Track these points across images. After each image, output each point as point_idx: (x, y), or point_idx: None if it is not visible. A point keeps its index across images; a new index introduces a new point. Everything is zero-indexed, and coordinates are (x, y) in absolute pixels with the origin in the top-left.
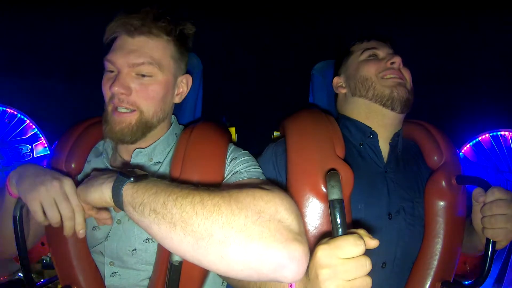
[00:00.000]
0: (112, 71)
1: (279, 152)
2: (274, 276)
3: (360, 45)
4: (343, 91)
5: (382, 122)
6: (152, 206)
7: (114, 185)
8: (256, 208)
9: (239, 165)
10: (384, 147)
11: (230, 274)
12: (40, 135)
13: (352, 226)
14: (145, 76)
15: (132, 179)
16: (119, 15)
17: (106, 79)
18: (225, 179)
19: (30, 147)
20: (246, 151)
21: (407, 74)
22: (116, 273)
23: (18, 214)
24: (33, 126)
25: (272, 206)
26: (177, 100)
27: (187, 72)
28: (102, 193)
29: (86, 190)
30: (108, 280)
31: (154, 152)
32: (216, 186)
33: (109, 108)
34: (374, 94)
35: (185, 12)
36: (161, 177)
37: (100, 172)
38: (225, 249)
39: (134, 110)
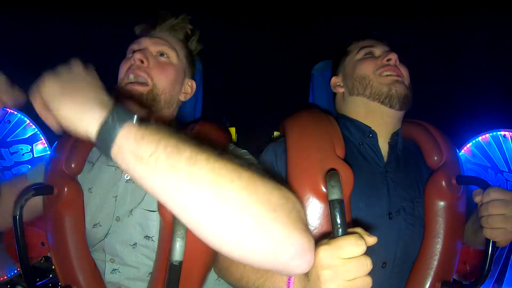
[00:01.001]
0: (135, 52)
1: (279, 152)
2: (288, 266)
3: (356, 44)
4: (341, 90)
5: (381, 121)
6: (171, 160)
7: (107, 122)
8: (283, 194)
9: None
10: (384, 147)
11: (247, 255)
12: (40, 135)
13: (352, 225)
14: (163, 55)
15: (135, 117)
16: (153, 15)
17: (125, 62)
18: None
19: (30, 147)
20: (245, 151)
21: (404, 71)
22: (116, 270)
23: (18, 214)
24: (33, 126)
25: (292, 196)
26: (182, 98)
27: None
28: (81, 120)
29: (60, 98)
30: (108, 277)
31: None
32: None
33: (123, 83)
34: (372, 92)
35: (185, 12)
36: None
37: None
38: (254, 227)
39: (147, 85)
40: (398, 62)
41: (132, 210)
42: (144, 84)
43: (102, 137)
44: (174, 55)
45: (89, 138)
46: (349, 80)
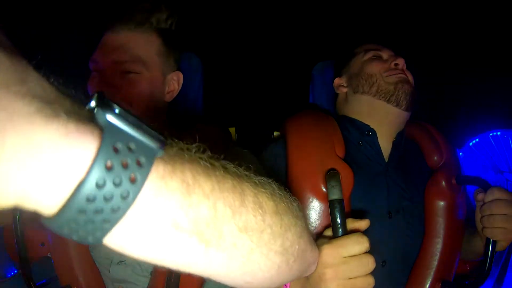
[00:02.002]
0: (97, 71)
1: (278, 152)
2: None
3: (363, 47)
4: (344, 90)
5: (386, 120)
6: (236, 222)
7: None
8: (294, 213)
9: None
10: (387, 146)
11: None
12: None
13: None
14: (130, 73)
15: (161, 149)
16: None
17: (92, 79)
18: None
19: None
20: (246, 150)
21: (410, 77)
22: (122, 262)
23: (18, 213)
24: None
25: (299, 208)
26: (168, 98)
27: (180, 69)
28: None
29: None
30: (113, 269)
31: None
32: None
33: None
34: (378, 90)
35: (185, 12)
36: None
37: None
38: (284, 265)
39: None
40: (405, 67)
41: None
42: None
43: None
44: (141, 68)
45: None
46: (355, 80)
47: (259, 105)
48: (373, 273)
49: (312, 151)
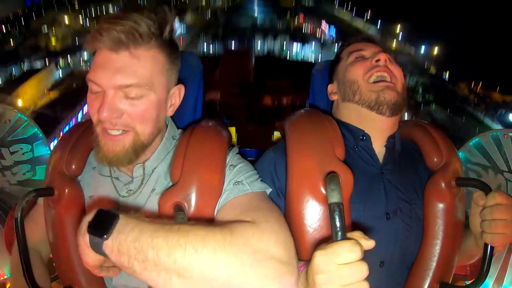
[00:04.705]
0: (97, 92)
1: (278, 156)
2: None
3: (347, 49)
4: (335, 97)
5: (374, 126)
6: (141, 257)
7: (93, 247)
8: (250, 249)
9: (239, 173)
10: (380, 149)
11: None
12: (41, 135)
13: (351, 227)
14: (135, 97)
15: (105, 236)
16: (100, 24)
17: (91, 100)
18: (226, 188)
19: (30, 147)
20: (243, 159)
21: (396, 71)
22: None
23: (19, 215)
24: (33, 126)
25: (264, 244)
26: (170, 113)
27: (181, 79)
28: (93, 254)
29: (82, 255)
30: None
31: (155, 162)
32: (215, 189)
33: (98, 129)
34: (360, 99)
35: (184, 13)
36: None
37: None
38: None
39: (128, 131)
40: (388, 62)
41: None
42: (125, 131)
43: (103, 256)
44: (147, 91)
45: (106, 256)
46: (341, 86)
47: (259, 105)
48: (370, 272)
49: (312, 152)
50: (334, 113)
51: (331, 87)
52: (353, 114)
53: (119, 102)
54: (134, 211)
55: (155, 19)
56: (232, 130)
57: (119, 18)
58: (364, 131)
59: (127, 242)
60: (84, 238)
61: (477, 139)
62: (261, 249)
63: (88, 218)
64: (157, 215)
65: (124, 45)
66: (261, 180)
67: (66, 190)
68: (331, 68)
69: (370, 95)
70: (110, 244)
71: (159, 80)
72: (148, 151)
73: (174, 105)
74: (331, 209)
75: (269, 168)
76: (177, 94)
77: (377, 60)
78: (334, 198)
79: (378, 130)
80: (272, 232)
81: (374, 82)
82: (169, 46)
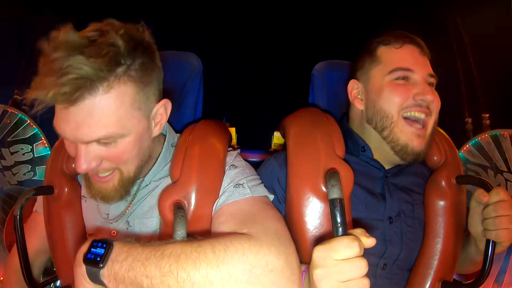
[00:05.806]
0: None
1: (280, 163)
2: None
3: (391, 55)
4: (359, 107)
5: (389, 160)
6: (137, 286)
7: (90, 277)
8: (246, 265)
9: (241, 175)
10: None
11: None
12: (41, 135)
13: (352, 225)
14: (109, 143)
15: (101, 265)
16: (39, 74)
17: (67, 143)
18: (226, 189)
19: (31, 147)
20: (246, 162)
21: (435, 106)
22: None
23: (18, 214)
24: (34, 126)
25: (262, 258)
26: (156, 132)
27: (181, 79)
28: (90, 285)
29: (78, 286)
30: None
31: (155, 175)
32: (215, 188)
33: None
34: (389, 136)
35: (184, 14)
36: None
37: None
38: None
39: (114, 171)
40: (432, 99)
41: (129, 222)
42: (111, 172)
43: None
44: (120, 137)
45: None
46: (370, 106)
47: (259, 105)
48: (372, 275)
49: (312, 150)
50: (353, 122)
51: (354, 85)
52: (373, 142)
53: (93, 150)
54: (125, 236)
55: (106, 52)
56: (232, 130)
57: (59, 68)
58: (364, 142)
59: (122, 271)
60: (81, 269)
61: (476, 140)
62: (259, 264)
63: (84, 249)
64: (150, 236)
65: (77, 97)
66: (264, 188)
67: (66, 189)
68: (361, 61)
69: (400, 137)
70: (106, 273)
71: (131, 116)
72: (145, 168)
73: (161, 123)
74: (331, 205)
75: (271, 176)
76: (163, 111)
77: (422, 100)
78: (335, 194)
79: (389, 162)
80: (272, 245)
81: (407, 118)
82: (141, 68)
